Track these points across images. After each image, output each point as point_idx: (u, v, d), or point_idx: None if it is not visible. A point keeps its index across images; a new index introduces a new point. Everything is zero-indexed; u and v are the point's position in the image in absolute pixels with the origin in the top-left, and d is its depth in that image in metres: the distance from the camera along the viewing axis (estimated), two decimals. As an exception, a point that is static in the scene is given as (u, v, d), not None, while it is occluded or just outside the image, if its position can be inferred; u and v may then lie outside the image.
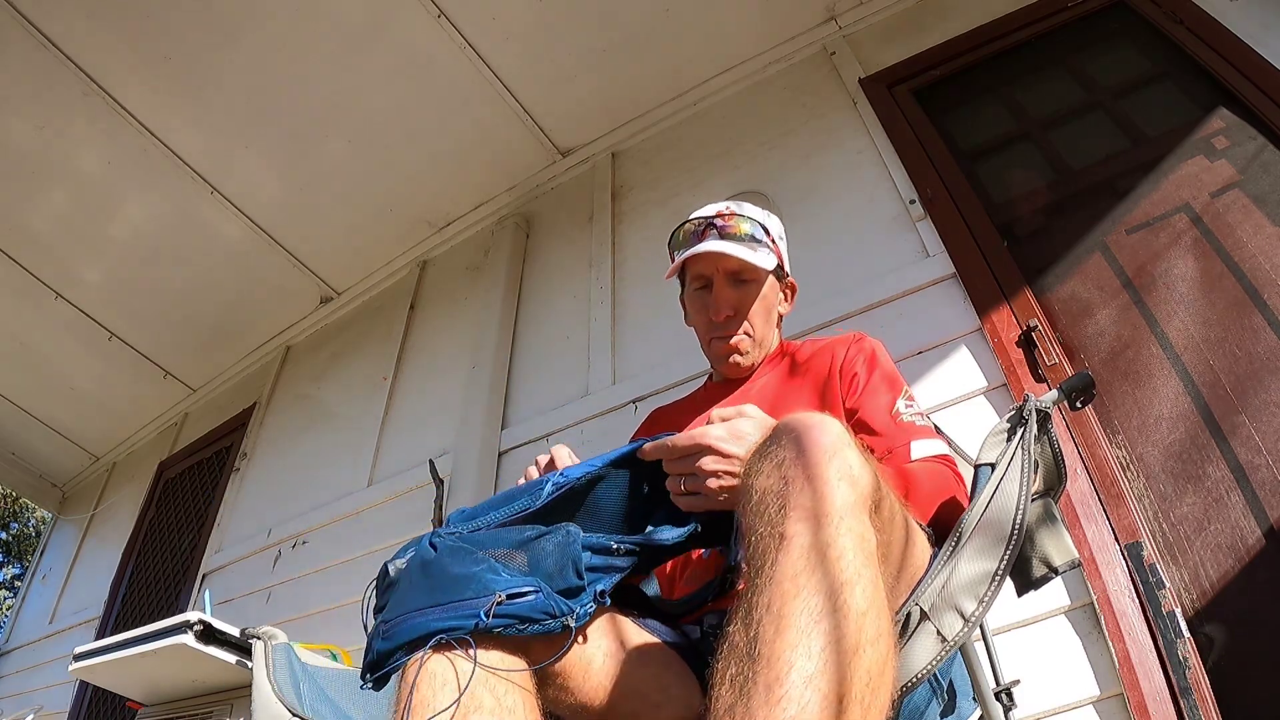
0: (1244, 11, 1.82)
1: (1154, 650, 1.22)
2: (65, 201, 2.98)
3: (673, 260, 1.21)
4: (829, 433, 0.60)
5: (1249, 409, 1.37)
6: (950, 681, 0.85)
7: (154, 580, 3.24)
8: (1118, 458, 1.43)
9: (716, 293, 1.16)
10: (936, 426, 1.06)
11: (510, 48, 2.59)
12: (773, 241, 1.18)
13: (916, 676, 0.56)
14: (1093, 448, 1.45)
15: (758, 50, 2.64)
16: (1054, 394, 0.73)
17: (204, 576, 2.92)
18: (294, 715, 0.87)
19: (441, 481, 2.14)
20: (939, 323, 1.73)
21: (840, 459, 0.58)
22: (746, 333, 1.16)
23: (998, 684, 0.81)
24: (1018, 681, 0.80)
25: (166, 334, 3.62)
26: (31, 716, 3.13)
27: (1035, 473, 0.66)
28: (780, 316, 1.24)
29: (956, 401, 1.61)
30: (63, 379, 3.81)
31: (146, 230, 3.11)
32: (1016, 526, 0.60)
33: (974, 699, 0.81)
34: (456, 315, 2.84)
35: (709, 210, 1.19)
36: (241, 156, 2.86)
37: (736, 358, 1.17)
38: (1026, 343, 1.59)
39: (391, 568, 0.68)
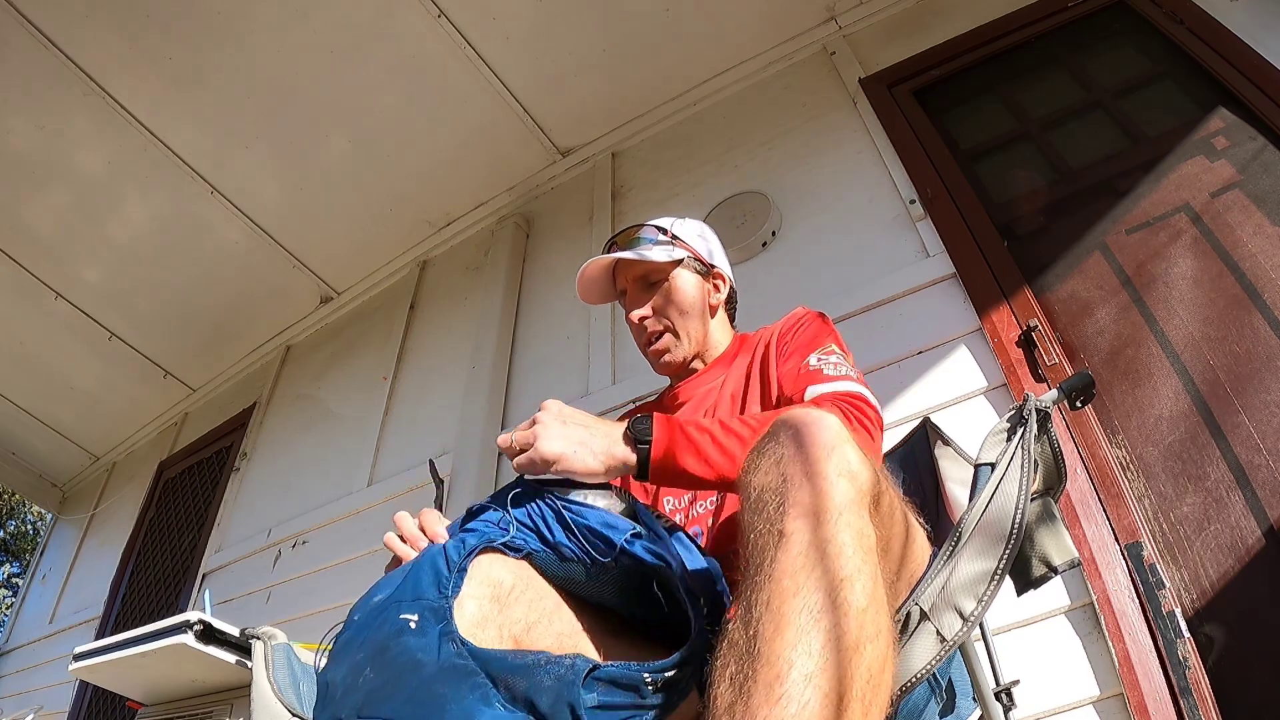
0: (1244, 11, 1.82)
1: (1154, 650, 1.22)
2: (65, 201, 2.98)
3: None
4: (828, 429, 0.60)
5: (1249, 409, 1.37)
6: (950, 681, 0.85)
7: (154, 580, 3.23)
8: (1118, 458, 1.43)
9: (629, 300, 1.23)
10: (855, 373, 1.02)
11: (510, 48, 2.59)
12: (674, 238, 1.23)
13: (916, 676, 0.56)
14: (1093, 448, 1.45)
15: (758, 50, 2.64)
16: (1054, 393, 0.73)
17: (204, 576, 2.92)
18: (293, 715, 0.87)
19: (441, 481, 2.13)
20: (939, 323, 1.73)
21: (839, 455, 0.58)
22: (667, 329, 1.20)
23: (998, 684, 0.81)
24: (1018, 681, 0.80)
25: (166, 334, 3.62)
26: (31, 716, 3.13)
27: (1035, 472, 0.66)
28: (714, 308, 1.26)
29: (956, 401, 1.61)
30: (63, 379, 3.81)
31: (146, 230, 3.11)
32: (1016, 526, 0.60)
33: (974, 699, 0.81)
34: (456, 315, 2.84)
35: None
36: (241, 156, 2.85)
37: (666, 357, 1.21)
38: (1026, 342, 1.59)
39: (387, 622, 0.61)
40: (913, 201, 1.95)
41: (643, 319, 1.20)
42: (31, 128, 2.69)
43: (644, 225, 1.25)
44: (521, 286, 2.72)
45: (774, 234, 2.15)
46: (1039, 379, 1.54)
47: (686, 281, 1.22)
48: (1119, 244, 1.68)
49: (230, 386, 3.77)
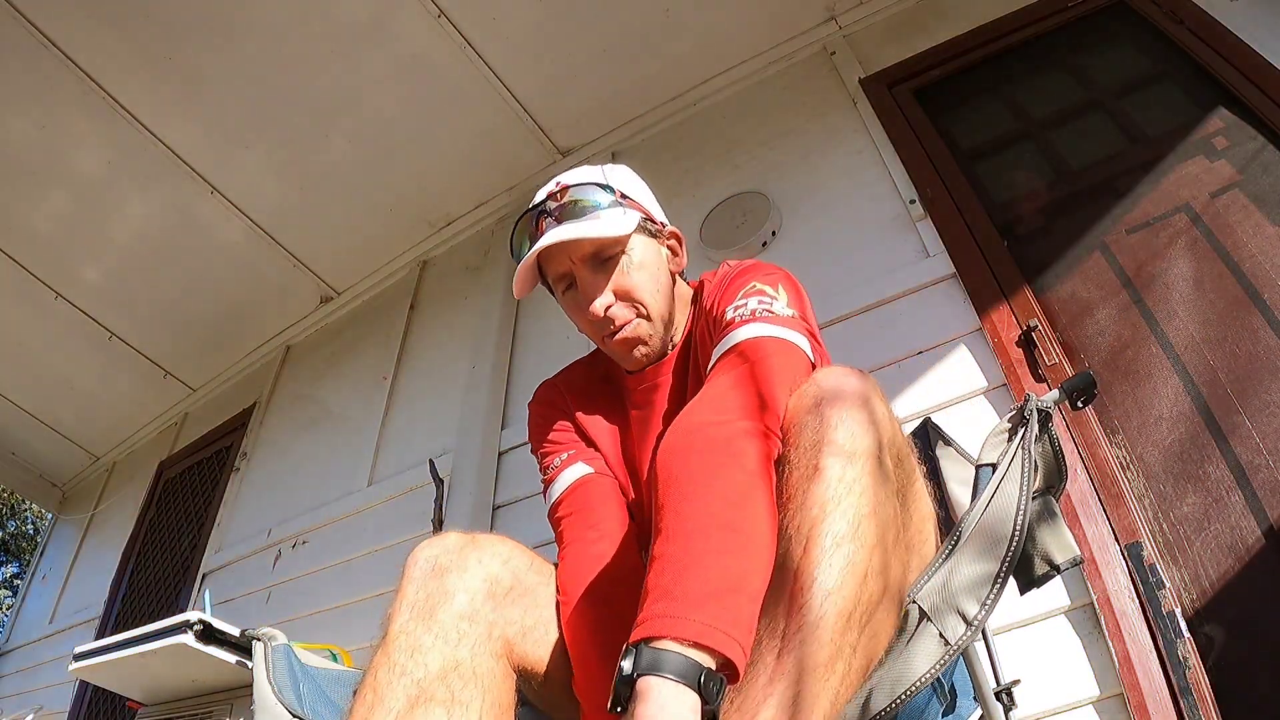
0: (1244, 11, 1.82)
1: (1154, 650, 1.22)
2: (65, 201, 2.97)
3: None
4: (863, 382, 0.68)
5: (1249, 409, 1.37)
6: (950, 681, 0.85)
7: (154, 580, 3.23)
8: (1118, 458, 1.43)
9: (582, 286, 0.96)
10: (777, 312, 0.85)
11: (510, 48, 2.59)
12: (624, 198, 0.98)
13: (920, 681, 0.56)
14: (1093, 448, 1.45)
15: (758, 50, 2.64)
16: (1055, 394, 0.73)
17: (204, 576, 2.92)
18: (293, 716, 0.87)
19: (441, 481, 2.14)
20: (939, 323, 1.73)
21: (869, 408, 0.66)
22: (640, 314, 0.96)
23: (998, 684, 0.81)
24: (1018, 681, 0.80)
25: (166, 334, 3.62)
26: (31, 716, 3.13)
27: (1035, 473, 0.66)
28: (674, 276, 1.04)
29: (956, 401, 1.61)
30: (63, 379, 3.80)
31: (146, 230, 3.11)
32: (1017, 529, 0.60)
33: (974, 699, 0.81)
34: (456, 315, 2.84)
35: (539, 196, 0.99)
36: (241, 156, 2.85)
37: (641, 349, 0.98)
38: (1026, 342, 1.59)
39: None
40: (913, 201, 1.95)
41: (609, 307, 0.95)
42: (31, 128, 2.69)
43: (582, 184, 0.97)
44: (522, 286, 2.71)
45: (774, 234, 2.15)
46: (1039, 379, 1.54)
47: (647, 251, 0.98)
48: (1119, 244, 1.68)
49: (230, 386, 3.76)
